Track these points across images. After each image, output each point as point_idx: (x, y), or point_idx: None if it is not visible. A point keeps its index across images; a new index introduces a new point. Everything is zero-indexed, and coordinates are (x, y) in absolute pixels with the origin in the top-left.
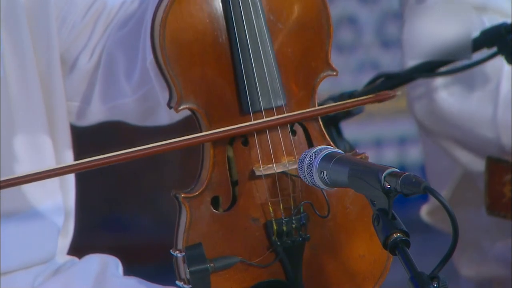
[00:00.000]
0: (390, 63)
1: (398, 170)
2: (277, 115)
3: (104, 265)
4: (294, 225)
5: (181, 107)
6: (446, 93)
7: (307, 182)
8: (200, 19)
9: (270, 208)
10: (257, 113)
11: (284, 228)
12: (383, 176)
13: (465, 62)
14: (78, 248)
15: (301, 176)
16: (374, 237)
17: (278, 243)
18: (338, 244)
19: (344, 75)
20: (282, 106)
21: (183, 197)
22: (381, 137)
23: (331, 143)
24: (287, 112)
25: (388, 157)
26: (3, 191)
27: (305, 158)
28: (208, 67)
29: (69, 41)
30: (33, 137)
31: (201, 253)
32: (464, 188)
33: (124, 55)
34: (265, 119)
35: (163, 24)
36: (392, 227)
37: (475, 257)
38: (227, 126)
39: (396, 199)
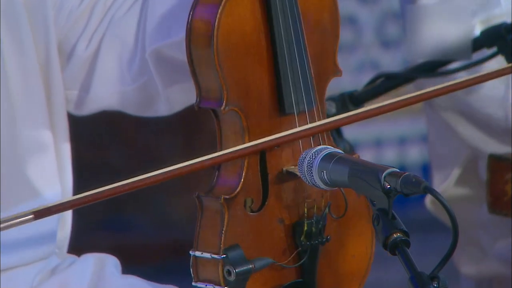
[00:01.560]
0: (390, 63)
1: (398, 170)
2: (311, 116)
3: (102, 264)
4: (320, 226)
5: (227, 109)
6: (463, 72)
7: (307, 182)
8: (246, 20)
9: (305, 209)
10: (301, 114)
11: (313, 229)
12: (383, 176)
13: (465, 62)
14: (78, 248)
15: (301, 176)
16: (361, 236)
17: (308, 243)
18: (339, 244)
19: (344, 75)
20: (318, 106)
21: (224, 198)
22: (381, 137)
23: (333, 143)
24: (317, 113)
25: (388, 157)
26: (2, 187)
27: (305, 158)
28: (251, 68)
29: (66, 29)
30: (35, 130)
31: (241, 254)
32: (465, 182)
33: (124, 43)
34: (312, 124)
35: (217, 27)
36: (392, 227)
37: (476, 255)
38: (265, 127)
39: (396, 199)
